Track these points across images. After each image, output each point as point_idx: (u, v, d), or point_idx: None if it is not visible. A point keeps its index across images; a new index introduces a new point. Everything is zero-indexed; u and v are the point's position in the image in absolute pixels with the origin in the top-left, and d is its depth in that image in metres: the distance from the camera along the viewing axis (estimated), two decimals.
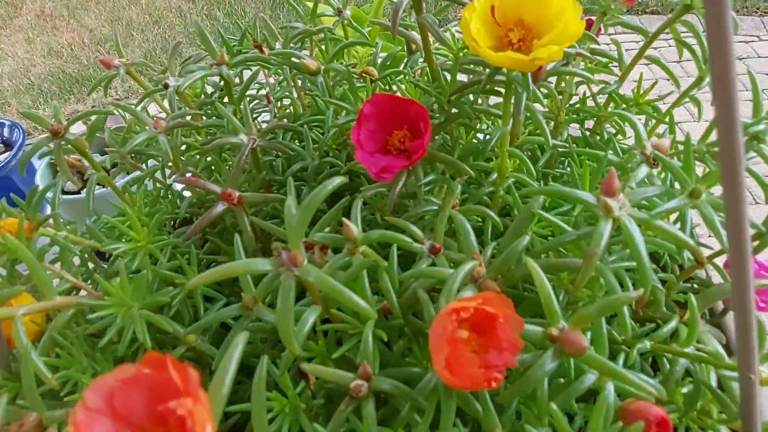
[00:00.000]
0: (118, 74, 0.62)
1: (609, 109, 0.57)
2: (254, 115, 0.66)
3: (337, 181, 0.36)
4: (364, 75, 0.65)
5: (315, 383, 0.41)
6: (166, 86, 0.59)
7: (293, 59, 0.54)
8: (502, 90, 0.46)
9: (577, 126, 0.60)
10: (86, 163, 0.61)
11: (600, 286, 0.42)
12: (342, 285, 0.35)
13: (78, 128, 0.55)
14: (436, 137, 0.48)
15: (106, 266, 0.57)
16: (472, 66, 0.48)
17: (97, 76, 3.97)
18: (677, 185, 0.40)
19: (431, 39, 0.50)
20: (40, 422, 0.40)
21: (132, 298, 0.43)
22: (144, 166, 0.59)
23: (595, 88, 0.59)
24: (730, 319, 0.53)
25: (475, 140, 0.52)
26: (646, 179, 0.43)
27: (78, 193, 1.14)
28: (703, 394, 0.42)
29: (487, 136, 0.52)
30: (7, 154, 1.25)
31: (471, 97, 0.51)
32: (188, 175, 0.55)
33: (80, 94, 3.88)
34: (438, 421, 0.34)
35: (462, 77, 0.49)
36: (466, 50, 0.53)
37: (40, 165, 1.17)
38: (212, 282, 0.37)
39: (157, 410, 0.25)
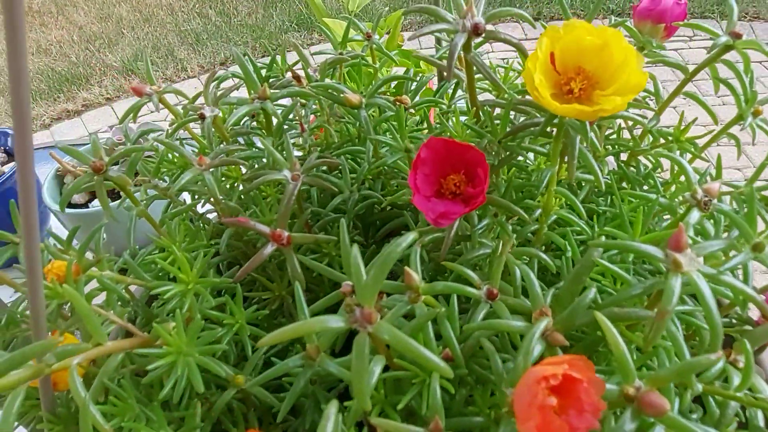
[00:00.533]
0: (150, 101, 0.61)
1: (644, 145, 0.57)
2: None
3: (411, 237, 0.36)
4: (397, 103, 0.65)
5: None
6: (202, 117, 0.58)
7: (335, 92, 0.54)
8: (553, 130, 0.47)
9: (612, 158, 0.60)
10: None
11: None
12: (411, 339, 0.35)
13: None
14: None
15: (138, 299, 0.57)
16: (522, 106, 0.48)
17: (87, 74, 3.91)
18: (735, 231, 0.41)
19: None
20: None
21: (188, 346, 0.42)
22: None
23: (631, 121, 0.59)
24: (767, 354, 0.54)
25: (519, 178, 0.52)
26: (698, 225, 0.44)
27: (86, 206, 1.13)
28: None
29: (532, 173, 0.52)
30: (12, 164, 1.22)
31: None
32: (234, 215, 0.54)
33: (70, 93, 3.82)
34: None
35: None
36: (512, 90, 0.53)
37: (47, 177, 1.15)
38: (279, 341, 0.37)
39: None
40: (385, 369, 0.43)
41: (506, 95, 0.49)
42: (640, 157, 0.61)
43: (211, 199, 0.55)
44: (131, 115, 0.62)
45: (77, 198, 1.15)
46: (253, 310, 0.50)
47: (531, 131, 0.47)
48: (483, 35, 0.47)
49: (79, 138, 3.43)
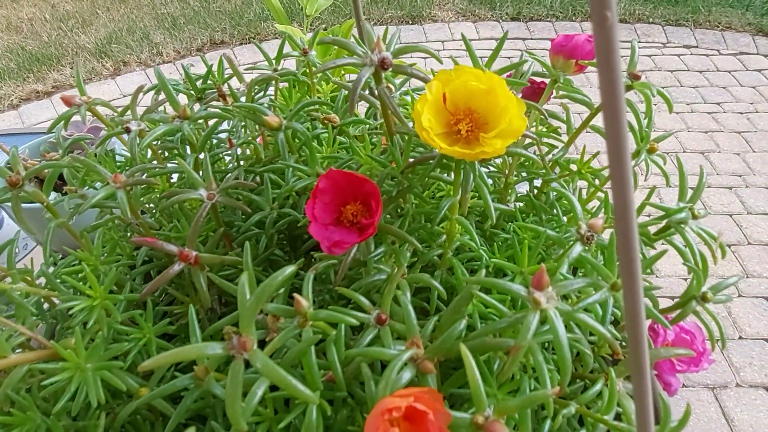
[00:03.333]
0: (78, 112, 0.62)
1: (554, 174, 0.60)
2: (216, 158, 0.68)
3: (289, 271, 0.38)
4: (325, 121, 0.67)
5: None
6: (128, 130, 0.60)
7: (257, 113, 0.56)
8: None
9: (527, 184, 0.63)
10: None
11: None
12: (287, 369, 0.38)
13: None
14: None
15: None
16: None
17: (59, 54, 3.81)
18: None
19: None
20: None
21: (87, 360, 0.44)
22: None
23: (544, 149, 0.62)
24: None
25: (426, 205, 0.54)
26: (581, 256, 0.47)
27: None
28: None
29: (441, 199, 0.55)
30: None
31: None
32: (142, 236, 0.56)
33: (40, 73, 3.75)
34: None
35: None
36: None
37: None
38: (163, 365, 0.39)
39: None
40: (275, 388, 0.45)
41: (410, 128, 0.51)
42: (554, 184, 0.64)
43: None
44: (62, 123, 0.63)
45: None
46: (165, 324, 0.52)
47: (429, 164, 0.49)
48: (390, 69, 0.49)
49: (48, 119, 3.37)
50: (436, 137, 0.43)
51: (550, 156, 0.62)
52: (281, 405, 0.46)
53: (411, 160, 0.50)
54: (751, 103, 3.02)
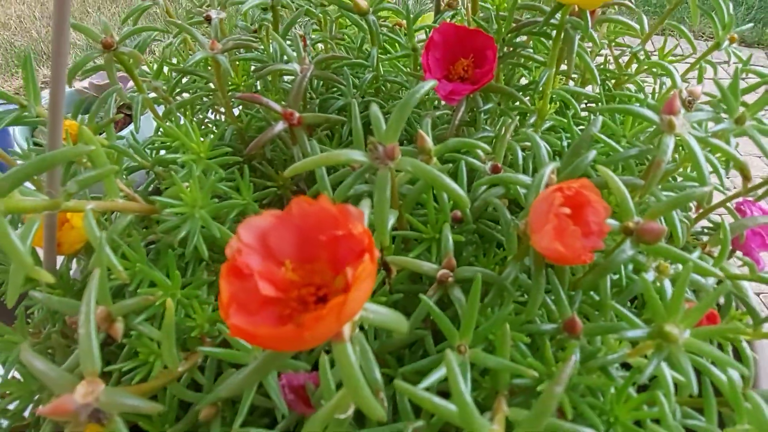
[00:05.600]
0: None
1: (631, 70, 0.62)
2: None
3: (428, 86, 0.38)
4: (396, 26, 0.67)
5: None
6: (208, 18, 0.59)
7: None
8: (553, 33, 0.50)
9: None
10: None
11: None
12: (411, 207, 0.37)
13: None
14: None
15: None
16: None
17: (49, 51, 3.76)
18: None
19: None
20: (107, 315, 0.39)
21: (199, 203, 0.43)
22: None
23: (616, 52, 0.64)
24: None
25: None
26: None
27: None
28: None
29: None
30: None
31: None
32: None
33: None
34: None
35: None
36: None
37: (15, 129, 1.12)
38: (310, 169, 0.38)
39: (315, 242, 0.26)
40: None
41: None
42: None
43: (217, 93, 0.56)
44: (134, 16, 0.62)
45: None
46: (258, 194, 0.51)
47: (530, 30, 0.50)
48: None
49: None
50: None
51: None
52: (398, 250, 0.45)
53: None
54: None
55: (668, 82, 0.63)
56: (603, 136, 0.43)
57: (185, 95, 0.61)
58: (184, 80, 0.62)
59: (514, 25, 0.50)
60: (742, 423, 0.33)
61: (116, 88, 0.49)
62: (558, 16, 0.48)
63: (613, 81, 0.63)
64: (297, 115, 0.49)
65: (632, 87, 0.63)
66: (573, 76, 0.64)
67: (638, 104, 0.55)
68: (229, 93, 0.56)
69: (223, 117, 0.70)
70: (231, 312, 0.24)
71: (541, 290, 0.35)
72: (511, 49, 0.51)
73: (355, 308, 0.23)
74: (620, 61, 0.63)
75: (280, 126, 0.49)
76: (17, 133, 1.09)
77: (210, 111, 0.68)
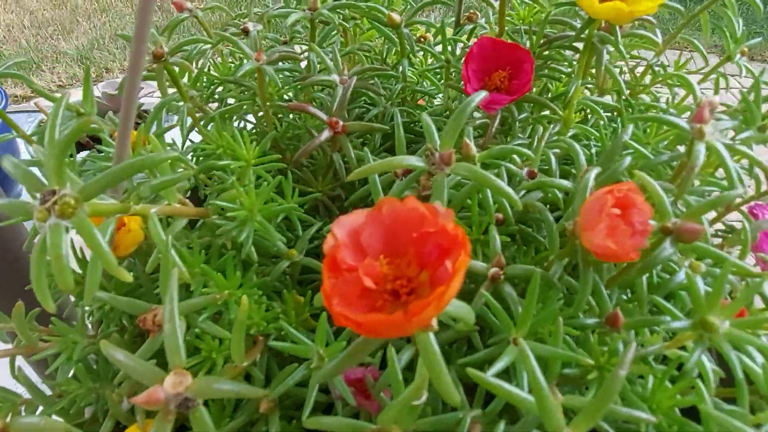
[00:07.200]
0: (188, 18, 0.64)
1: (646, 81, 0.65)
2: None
3: (479, 97, 0.41)
4: (422, 39, 0.70)
5: None
6: (246, 31, 0.61)
7: (377, 12, 0.59)
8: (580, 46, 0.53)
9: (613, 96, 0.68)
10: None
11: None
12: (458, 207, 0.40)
13: None
14: None
15: None
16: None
17: (38, 60, 3.73)
18: None
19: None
20: None
21: (256, 206, 0.45)
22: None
23: (631, 64, 0.67)
24: None
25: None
26: None
27: None
28: None
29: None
30: None
31: None
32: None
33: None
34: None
35: None
36: (535, 15, 0.60)
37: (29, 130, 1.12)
38: (371, 174, 0.41)
39: (404, 239, 0.28)
40: None
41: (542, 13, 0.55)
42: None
43: (258, 104, 0.58)
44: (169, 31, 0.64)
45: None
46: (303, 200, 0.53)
47: (561, 44, 0.53)
48: None
49: (30, 122, 3.28)
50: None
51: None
52: None
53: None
54: None
55: (681, 92, 0.67)
56: (634, 143, 0.46)
57: (213, 105, 0.63)
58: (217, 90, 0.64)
59: (544, 39, 0.53)
60: None
61: (169, 99, 0.51)
62: (587, 30, 0.51)
63: (628, 91, 0.67)
64: (341, 123, 0.52)
65: (646, 97, 0.67)
66: (589, 86, 0.67)
67: (661, 112, 0.59)
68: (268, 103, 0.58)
69: (249, 125, 0.73)
70: (334, 303, 0.26)
71: (589, 286, 0.38)
72: (542, 62, 0.54)
73: (451, 297, 0.26)
74: (635, 72, 0.67)
75: (325, 134, 0.51)
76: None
77: (235, 119, 0.71)
